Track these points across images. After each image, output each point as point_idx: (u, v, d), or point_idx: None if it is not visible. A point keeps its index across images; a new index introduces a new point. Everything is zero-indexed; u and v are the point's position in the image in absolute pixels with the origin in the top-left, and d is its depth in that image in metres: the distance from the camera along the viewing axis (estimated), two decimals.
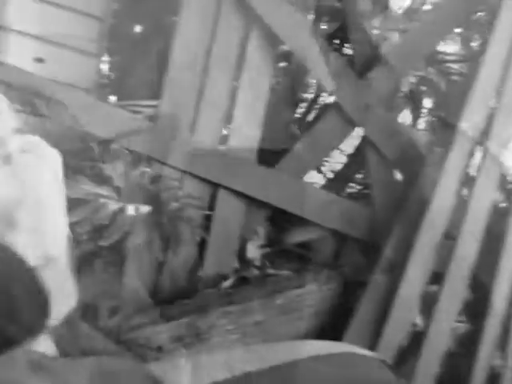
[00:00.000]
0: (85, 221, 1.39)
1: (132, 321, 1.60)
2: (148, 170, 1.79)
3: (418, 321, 2.00)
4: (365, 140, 2.15)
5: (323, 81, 2.13)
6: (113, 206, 1.57)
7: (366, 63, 2.14)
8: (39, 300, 0.34)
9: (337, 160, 2.79)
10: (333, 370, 0.89)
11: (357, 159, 2.64)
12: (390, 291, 1.95)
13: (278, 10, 2.02)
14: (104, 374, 0.54)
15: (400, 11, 2.62)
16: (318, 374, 0.87)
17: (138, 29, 2.79)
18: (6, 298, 0.34)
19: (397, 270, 1.96)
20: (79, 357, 0.48)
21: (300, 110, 2.84)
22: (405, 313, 1.95)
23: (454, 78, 2.70)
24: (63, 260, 0.47)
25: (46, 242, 0.45)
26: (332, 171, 2.80)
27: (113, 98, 2.59)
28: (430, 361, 1.92)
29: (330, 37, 2.58)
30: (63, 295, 0.45)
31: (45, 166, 0.49)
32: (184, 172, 1.96)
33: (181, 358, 0.89)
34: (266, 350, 0.92)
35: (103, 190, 1.60)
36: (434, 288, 2.01)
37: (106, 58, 2.60)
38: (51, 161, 0.49)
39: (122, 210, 1.59)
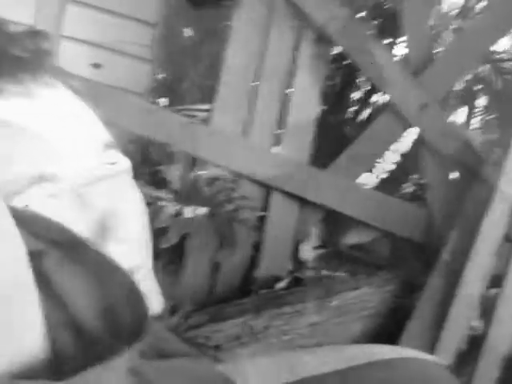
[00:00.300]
0: None
1: (190, 320, 1.63)
2: (203, 172, 1.81)
3: (477, 324, 1.94)
4: (420, 140, 2.12)
5: (376, 81, 2.11)
6: (171, 208, 1.60)
7: (420, 62, 2.10)
8: (140, 308, 0.34)
9: (389, 160, 2.75)
10: (394, 374, 0.88)
11: (410, 159, 2.60)
12: (447, 294, 1.91)
13: (330, 12, 2.01)
14: (193, 379, 0.55)
15: (454, 9, 2.57)
16: (379, 379, 0.87)
17: (189, 34, 2.84)
18: (109, 308, 0.35)
19: (455, 273, 1.91)
20: (160, 360, 0.48)
21: (352, 110, 2.83)
22: (463, 316, 1.90)
23: (509, 76, 2.62)
24: (149, 266, 0.49)
25: (135, 250, 0.47)
26: (385, 171, 2.77)
27: (164, 102, 2.64)
28: (490, 365, 1.87)
29: (381, 35, 2.56)
30: (151, 301, 0.47)
31: (127, 176, 0.50)
32: (238, 174, 1.98)
33: (246, 360, 0.90)
34: (330, 354, 0.92)
35: (162, 193, 1.64)
36: (493, 291, 1.95)
37: (158, 62, 2.66)
38: (129, 170, 0.50)
39: (179, 213, 1.62)
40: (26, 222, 0.33)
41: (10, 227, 0.29)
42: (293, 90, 2.07)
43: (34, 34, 0.46)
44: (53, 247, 0.35)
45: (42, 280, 0.33)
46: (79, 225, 0.42)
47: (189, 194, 1.73)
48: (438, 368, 0.92)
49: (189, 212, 1.64)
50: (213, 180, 1.79)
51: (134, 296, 0.34)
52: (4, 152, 0.41)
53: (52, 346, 0.32)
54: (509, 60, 2.71)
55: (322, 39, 2.04)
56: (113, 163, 0.48)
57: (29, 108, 0.42)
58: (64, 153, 0.43)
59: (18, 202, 0.40)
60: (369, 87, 2.78)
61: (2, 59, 0.42)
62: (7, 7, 2.23)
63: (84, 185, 0.44)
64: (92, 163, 0.45)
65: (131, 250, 0.47)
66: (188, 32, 2.82)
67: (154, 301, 0.48)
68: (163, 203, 1.60)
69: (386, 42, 2.54)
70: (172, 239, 1.52)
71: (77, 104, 0.47)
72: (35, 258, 0.32)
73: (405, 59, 2.19)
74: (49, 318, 0.32)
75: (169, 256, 1.59)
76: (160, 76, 2.71)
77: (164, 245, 1.48)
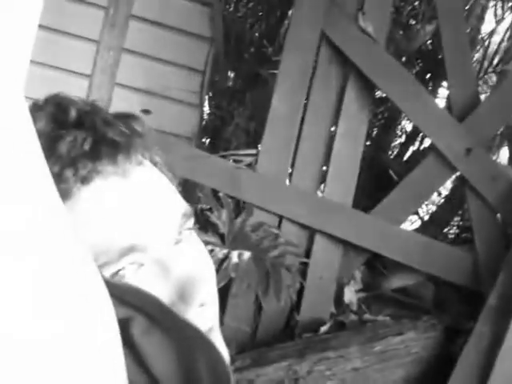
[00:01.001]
0: None
1: (233, 364, 1.65)
2: (249, 217, 1.86)
3: None
4: (464, 184, 2.10)
5: (420, 126, 2.13)
6: (219, 252, 1.65)
7: (464, 106, 2.10)
8: (224, 377, 0.36)
9: (433, 202, 2.73)
10: None
11: (452, 202, 2.58)
12: (494, 341, 1.87)
13: (373, 58, 2.06)
14: None
15: (498, 52, 2.57)
16: None
17: (235, 80, 2.93)
18: (192, 376, 0.36)
19: (502, 319, 1.88)
20: None
21: (395, 152, 2.83)
22: (510, 365, 1.86)
23: None
24: (217, 325, 0.52)
25: (212, 312, 0.51)
26: (428, 213, 2.75)
27: (210, 146, 2.72)
28: None
29: (423, 79, 2.58)
30: None
31: (195, 234, 0.55)
32: (282, 217, 2.02)
33: None
34: None
35: (210, 237, 1.69)
36: None
37: (206, 108, 2.75)
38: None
39: (226, 257, 1.66)
40: (116, 290, 0.35)
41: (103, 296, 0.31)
42: (337, 134, 2.11)
43: (128, 117, 0.52)
44: (141, 315, 0.37)
45: (129, 346, 0.35)
46: (163, 292, 0.46)
47: (235, 239, 1.77)
48: None
49: (235, 256, 1.68)
50: (259, 225, 1.83)
51: (218, 362, 0.36)
52: (99, 225, 0.46)
53: None
54: None
55: (366, 84, 2.09)
56: (190, 228, 0.52)
57: (123, 186, 0.48)
58: (152, 227, 0.48)
59: (107, 273, 0.45)
60: (412, 128, 2.79)
61: (102, 143, 0.48)
62: (69, 59, 2.39)
63: (167, 252, 0.48)
64: (175, 234, 0.50)
65: (209, 312, 0.50)
66: (234, 78, 2.92)
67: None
68: (210, 247, 1.65)
69: (429, 85, 2.56)
70: (220, 283, 1.56)
71: (161, 179, 0.52)
72: (124, 324, 0.35)
73: (448, 103, 2.19)
74: (132, 381, 0.34)
75: None
76: (207, 121, 2.80)
77: None
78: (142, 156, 0.51)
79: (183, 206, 0.52)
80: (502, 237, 2.10)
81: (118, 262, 0.46)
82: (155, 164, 0.53)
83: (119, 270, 0.46)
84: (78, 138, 0.46)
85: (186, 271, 0.48)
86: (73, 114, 0.49)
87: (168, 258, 0.48)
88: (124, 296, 0.37)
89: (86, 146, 0.46)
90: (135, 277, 0.46)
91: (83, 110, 0.50)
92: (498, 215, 2.11)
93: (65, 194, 0.44)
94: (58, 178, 0.43)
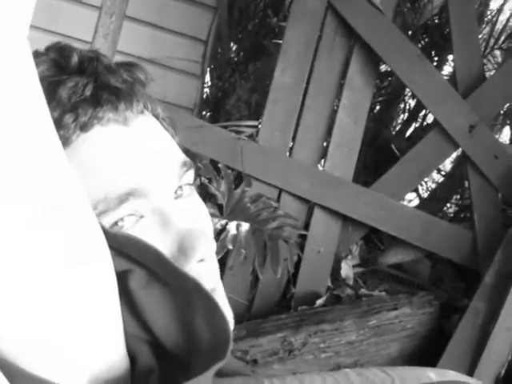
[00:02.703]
0: None
1: None
2: (248, 189, 1.85)
3: None
4: (466, 161, 2.09)
5: (424, 101, 2.10)
6: (217, 223, 1.65)
7: (469, 82, 2.08)
8: (222, 330, 0.34)
9: (432, 179, 2.72)
10: None
11: (453, 179, 2.57)
12: (489, 318, 1.89)
13: (379, 30, 2.02)
14: None
15: (506, 30, 2.53)
16: None
17: (238, 51, 2.90)
18: (190, 328, 0.36)
19: (497, 297, 1.89)
20: (220, 378, 0.49)
21: (398, 128, 2.81)
22: (504, 341, 1.87)
23: None
24: (220, 283, 0.51)
25: (213, 268, 0.50)
26: (427, 190, 2.74)
27: (211, 118, 2.70)
28: None
29: (429, 54, 2.54)
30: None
31: (197, 194, 0.54)
32: (282, 190, 2.01)
33: (291, 377, 0.92)
34: (378, 374, 0.93)
35: (208, 208, 1.68)
36: None
37: (207, 79, 2.72)
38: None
39: (224, 228, 1.66)
40: (115, 241, 0.35)
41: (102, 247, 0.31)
42: (340, 106, 2.09)
43: (131, 66, 0.51)
44: (140, 267, 0.36)
45: (127, 297, 0.35)
46: (163, 244, 0.45)
47: (234, 210, 1.77)
48: None
49: (233, 227, 1.68)
50: (258, 197, 1.82)
51: (217, 317, 0.35)
52: (98, 172, 0.45)
53: (132, 360, 0.34)
54: None
55: (371, 57, 2.06)
56: (191, 184, 0.51)
57: (124, 133, 0.47)
58: (151, 173, 0.47)
59: (106, 223, 0.44)
60: (416, 104, 2.76)
61: (103, 89, 0.47)
62: (70, 25, 2.35)
63: (168, 204, 0.47)
64: (174, 184, 0.49)
65: (211, 268, 0.50)
66: (235, 48, 2.88)
67: (229, 316, 0.50)
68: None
69: (434, 60, 2.52)
70: (217, 255, 1.56)
71: (162, 130, 0.51)
72: (122, 276, 0.34)
73: (453, 79, 2.16)
74: (130, 334, 0.35)
75: None
76: (208, 92, 2.77)
77: None
78: (144, 106, 0.50)
79: (183, 156, 0.51)
80: (502, 216, 2.10)
81: (116, 209, 0.44)
82: (157, 116, 0.52)
83: (118, 221, 0.45)
84: (79, 83, 0.45)
85: (186, 225, 0.47)
86: (75, 59, 0.48)
87: (169, 209, 0.47)
88: (123, 248, 0.36)
89: (87, 92, 0.45)
90: (135, 228, 0.45)
91: (86, 56, 0.49)
92: (499, 194, 2.10)
93: (64, 141, 0.43)
94: (58, 124, 0.42)
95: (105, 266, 0.31)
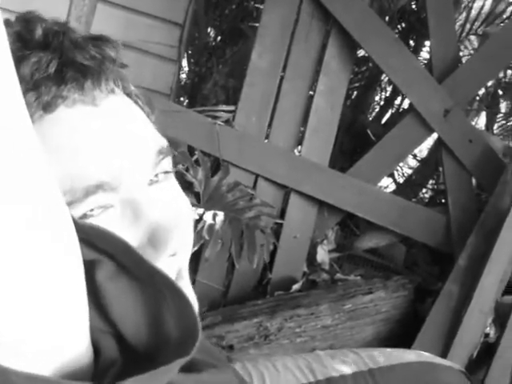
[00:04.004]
0: None
1: (204, 320, 1.66)
2: (226, 176, 1.84)
3: (490, 331, 1.95)
4: (441, 146, 2.11)
5: (399, 85, 2.11)
6: (194, 212, 1.64)
7: (445, 67, 2.09)
8: (191, 324, 0.33)
9: (408, 164, 2.74)
10: (412, 378, 0.90)
11: (428, 164, 2.59)
12: (462, 301, 1.92)
13: (356, 14, 2.02)
14: None
15: (481, 15, 2.54)
16: (396, 382, 0.89)
17: (216, 36, 2.86)
18: (156, 322, 0.35)
19: (470, 280, 1.92)
20: (191, 373, 0.47)
21: (374, 113, 2.82)
22: (477, 323, 1.91)
23: None
24: (187, 274, 0.50)
25: (184, 259, 0.48)
26: (403, 175, 2.76)
27: (188, 104, 2.67)
28: (501, 372, 1.87)
29: (406, 39, 2.54)
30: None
31: (175, 182, 0.51)
32: (258, 176, 2.01)
33: (263, 360, 0.92)
34: (349, 356, 0.94)
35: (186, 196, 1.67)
36: (508, 298, 1.95)
37: (183, 63, 2.68)
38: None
39: (201, 218, 1.65)
40: (83, 232, 0.32)
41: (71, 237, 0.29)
42: (316, 91, 2.08)
43: (101, 40, 0.47)
44: (107, 258, 0.35)
45: (93, 289, 0.34)
46: (132, 236, 0.43)
47: (211, 199, 1.76)
48: (454, 372, 0.95)
49: (209, 217, 1.67)
50: (235, 185, 1.81)
51: (188, 315, 0.34)
52: (63, 159, 0.42)
53: (95, 352, 0.33)
54: None
55: (348, 41, 2.05)
56: (166, 172, 0.48)
57: (91, 115, 0.43)
58: (123, 162, 0.44)
59: (74, 213, 0.41)
60: (392, 90, 2.77)
61: (69, 67, 0.43)
62: (43, 6, 2.29)
63: (140, 194, 0.45)
64: (149, 173, 0.46)
65: (181, 259, 0.47)
66: (213, 32, 2.84)
67: (194, 304, 0.49)
68: None
69: (411, 46, 2.53)
70: (194, 245, 1.56)
71: (135, 111, 0.48)
72: (89, 266, 0.32)
73: (429, 64, 2.17)
74: (94, 326, 0.33)
75: None
76: (185, 76, 2.74)
77: None
78: (115, 84, 0.47)
79: (159, 142, 0.48)
80: (475, 200, 2.13)
81: (83, 201, 0.42)
82: (129, 94, 0.49)
83: (86, 213, 0.42)
84: (42, 59, 0.43)
85: (158, 216, 0.44)
86: (39, 33, 0.44)
87: (141, 201, 0.44)
88: (91, 239, 0.34)
89: (51, 69, 0.42)
90: (103, 219, 0.43)
91: (51, 29, 0.45)
92: (473, 178, 2.13)
93: None
94: None
95: (71, 252, 0.29)
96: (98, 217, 0.43)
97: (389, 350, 1.02)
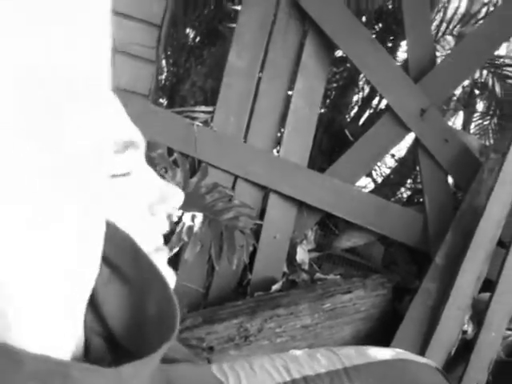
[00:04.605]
0: None
1: (184, 322, 1.66)
2: (204, 178, 1.83)
3: (468, 328, 1.97)
4: (418, 145, 2.13)
5: (376, 85, 2.12)
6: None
7: (421, 67, 2.11)
8: (171, 321, 0.35)
9: (385, 164, 2.76)
10: (388, 376, 0.91)
11: (406, 164, 2.62)
12: (439, 298, 1.94)
13: (333, 15, 2.03)
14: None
15: (456, 15, 2.57)
16: (374, 379, 0.90)
17: (194, 36, 2.86)
18: (142, 323, 0.37)
19: (447, 277, 1.94)
20: (163, 364, 0.50)
21: (351, 114, 2.84)
22: (454, 320, 1.93)
23: (509, 81, 2.63)
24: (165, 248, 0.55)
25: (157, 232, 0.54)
26: (381, 175, 2.78)
27: (166, 105, 2.66)
28: (479, 368, 1.90)
29: (383, 39, 2.57)
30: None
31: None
32: (237, 177, 2.01)
33: (239, 361, 0.93)
34: (325, 355, 0.94)
35: None
36: (484, 295, 1.98)
37: (162, 64, 2.67)
38: None
39: (180, 219, 1.65)
40: None
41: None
42: (294, 92, 2.09)
43: None
44: (104, 263, 0.38)
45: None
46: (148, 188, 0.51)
47: (190, 200, 1.75)
48: (430, 370, 0.95)
49: (188, 219, 1.67)
50: (213, 186, 1.81)
51: (170, 310, 0.36)
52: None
53: (86, 349, 0.36)
54: (508, 65, 2.71)
55: (325, 41, 2.06)
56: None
57: None
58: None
59: (121, 162, 0.48)
60: (370, 90, 2.79)
61: None
62: None
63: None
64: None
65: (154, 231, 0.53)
66: (191, 33, 2.84)
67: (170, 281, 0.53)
68: None
69: (388, 46, 2.55)
70: (174, 248, 1.56)
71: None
72: None
73: (405, 64, 2.19)
74: (87, 326, 0.36)
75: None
76: (163, 77, 2.73)
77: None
78: None
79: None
80: (452, 198, 2.15)
81: (125, 152, 0.49)
82: None
83: (127, 161, 0.51)
84: None
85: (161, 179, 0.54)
86: None
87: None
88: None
89: None
90: (138, 169, 0.52)
91: None
92: (449, 177, 2.16)
93: None
94: None
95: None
96: (138, 168, 0.51)
97: (365, 348, 1.02)
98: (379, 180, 2.75)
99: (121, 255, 0.38)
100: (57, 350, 0.30)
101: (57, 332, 0.30)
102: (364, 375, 0.89)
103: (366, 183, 2.71)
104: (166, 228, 0.55)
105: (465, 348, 1.92)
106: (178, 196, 0.54)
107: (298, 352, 1.00)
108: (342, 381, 0.88)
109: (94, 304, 0.37)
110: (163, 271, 0.38)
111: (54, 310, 0.29)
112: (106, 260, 0.38)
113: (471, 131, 2.93)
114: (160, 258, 0.52)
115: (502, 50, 2.87)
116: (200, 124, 1.95)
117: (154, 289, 0.37)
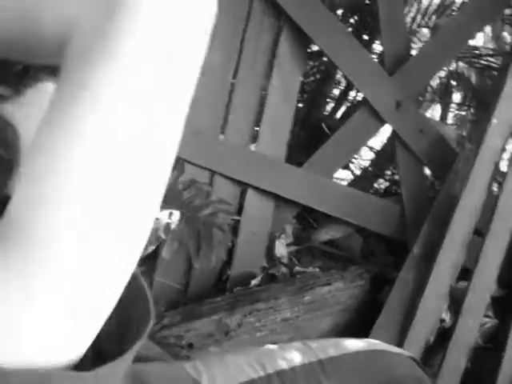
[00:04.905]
0: None
1: (163, 320, 1.66)
2: (181, 174, 1.83)
3: (446, 317, 2.00)
4: (394, 137, 2.15)
5: (351, 79, 2.13)
6: None
7: (396, 59, 2.12)
8: (146, 318, 0.37)
9: (364, 156, 2.78)
10: (362, 367, 0.92)
11: (385, 156, 2.64)
12: (417, 288, 1.96)
13: (308, 10, 2.03)
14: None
15: (431, 6, 2.59)
16: (349, 371, 0.90)
17: None
18: (122, 320, 0.37)
19: (425, 267, 1.96)
20: (137, 363, 0.50)
21: (329, 108, 2.84)
22: (433, 309, 1.96)
23: (485, 72, 2.66)
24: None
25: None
26: (359, 168, 2.80)
27: None
28: (457, 356, 1.92)
29: (358, 33, 2.57)
30: None
31: None
32: (214, 173, 2.01)
33: (214, 357, 0.93)
34: (300, 348, 0.95)
35: None
36: (462, 284, 2.00)
37: None
38: None
39: (157, 217, 1.64)
40: None
41: None
42: (270, 87, 2.09)
43: None
44: None
45: None
46: None
47: (167, 197, 1.74)
48: (404, 359, 0.96)
49: (165, 216, 1.66)
50: (191, 183, 1.80)
51: (145, 307, 0.37)
52: None
53: None
54: (484, 56, 2.73)
55: (300, 36, 2.06)
56: None
57: None
58: None
59: None
60: (346, 84, 2.80)
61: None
62: None
63: None
64: None
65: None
66: None
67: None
68: None
69: (363, 40, 2.56)
70: (150, 246, 1.56)
71: None
72: None
73: (381, 57, 2.20)
74: None
75: (141, 256, 1.61)
76: None
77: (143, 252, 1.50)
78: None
79: None
80: (428, 189, 2.18)
81: None
82: None
83: None
84: None
85: None
86: None
87: None
88: None
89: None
90: None
91: None
92: (425, 168, 2.18)
93: None
94: None
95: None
96: None
97: (340, 339, 1.03)
98: (358, 172, 2.77)
99: None
100: (57, 350, 0.31)
101: (57, 332, 0.31)
102: (338, 367, 0.90)
103: (345, 176, 2.72)
104: None
105: (443, 336, 1.95)
106: None
107: (272, 346, 1.01)
108: (317, 373, 0.88)
109: None
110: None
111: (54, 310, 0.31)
112: None
113: (449, 122, 2.96)
114: None
115: (478, 41, 2.89)
116: None
117: (126, 287, 0.37)
